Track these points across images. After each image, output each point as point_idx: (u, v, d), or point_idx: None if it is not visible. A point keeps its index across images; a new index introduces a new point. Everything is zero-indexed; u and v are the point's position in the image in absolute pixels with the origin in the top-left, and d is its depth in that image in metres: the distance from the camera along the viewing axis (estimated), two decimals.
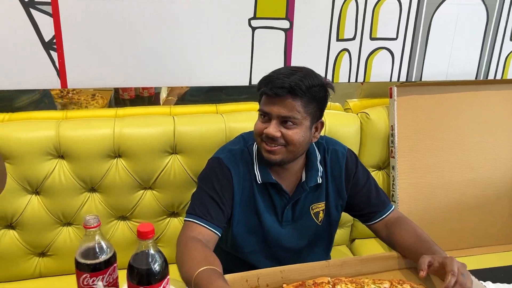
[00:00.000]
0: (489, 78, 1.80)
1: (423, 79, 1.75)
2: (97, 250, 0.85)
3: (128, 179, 1.45)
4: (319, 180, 1.24)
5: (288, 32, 1.56)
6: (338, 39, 1.62)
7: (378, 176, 1.70)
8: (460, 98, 1.72)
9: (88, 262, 0.84)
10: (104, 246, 0.86)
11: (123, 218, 1.52)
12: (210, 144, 1.46)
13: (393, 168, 1.64)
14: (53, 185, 1.40)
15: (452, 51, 1.74)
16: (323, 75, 1.58)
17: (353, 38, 1.64)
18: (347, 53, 1.65)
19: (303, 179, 1.23)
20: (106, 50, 1.42)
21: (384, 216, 1.25)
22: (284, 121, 1.11)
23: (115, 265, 0.88)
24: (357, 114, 1.69)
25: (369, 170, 1.41)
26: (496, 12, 1.71)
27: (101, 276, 0.85)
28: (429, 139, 1.67)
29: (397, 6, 1.63)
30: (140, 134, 1.45)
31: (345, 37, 1.63)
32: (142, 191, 1.49)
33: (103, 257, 0.85)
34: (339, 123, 1.62)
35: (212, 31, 1.50)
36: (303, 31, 1.57)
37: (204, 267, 0.95)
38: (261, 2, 1.50)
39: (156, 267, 0.82)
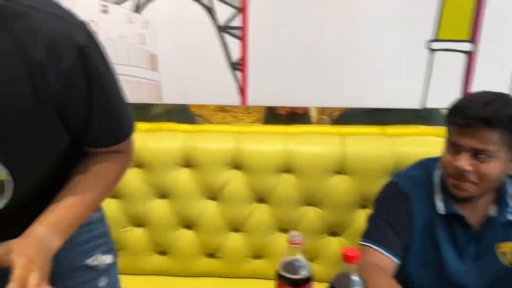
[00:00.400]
0: None
1: None
2: (298, 265, 0.90)
3: (295, 194, 1.51)
4: (510, 217, 1.13)
5: (471, 55, 1.48)
6: None
7: None
8: None
9: (292, 276, 0.89)
10: (304, 263, 0.90)
11: (284, 230, 1.58)
12: (377, 167, 1.45)
13: None
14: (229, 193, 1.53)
15: None
16: None
17: None
18: None
19: (492, 213, 1.14)
20: (286, 72, 1.51)
21: None
22: (476, 154, 1.05)
23: (311, 282, 0.92)
24: None
25: None
26: None
27: None
28: None
29: None
30: (309, 152, 1.50)
31: None
32: (306, 207, 1.54)
33: (303, 273, 0.89)
34: None
35: (387, 53, 1.49)
36: (488, 53, 1.47)
37: None
38: (444, 24, 1.44)
39: None
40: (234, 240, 1.58)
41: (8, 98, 0.67)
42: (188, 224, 1.58)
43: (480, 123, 1.02)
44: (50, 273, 0.70)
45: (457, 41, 1.47)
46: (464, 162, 1.04)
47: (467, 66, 1.49)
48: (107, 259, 1.03)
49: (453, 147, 1.08)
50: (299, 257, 0.91)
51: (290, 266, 0.91)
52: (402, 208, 1.17)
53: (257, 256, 1.59)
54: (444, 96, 1.36)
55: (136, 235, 1.59)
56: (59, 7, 0.72)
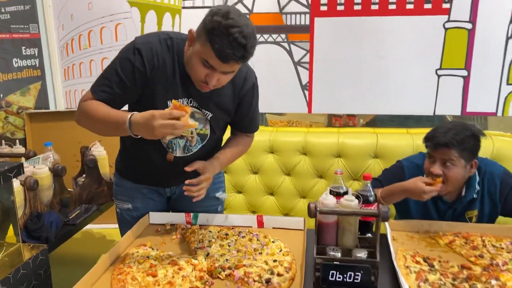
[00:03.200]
0: None
1: None
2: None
3: (345, 172, 2.25)
4: (475, 195, 1.70)
5: (466, 78, 2.17)
6: (508, 83, 2.15)
7: None
8: None
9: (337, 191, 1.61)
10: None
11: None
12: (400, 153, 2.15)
13: None
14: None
15: None
16: (494, 110, 2.13)
17: None
18: None
19: (463, 194, 1.71)
20: (338, 91, 2.29)
21: None
22: (444, 163, 1.61)
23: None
24: None
25: None
26: None
27: None
28: None
29: None
30: (354, 143, 2.25)
31: None
32: (351, 181, 2.27)
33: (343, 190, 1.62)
34: (508, 147, 2.10)
35: (409, 78, 2.22)
36: (478, 77, 2.15)
37: None
38: (446, 57, 2.16)
39: None
40: (302, 203, 2.33)
41: (227, 104, 1.49)
42: (271, 192, 2.37)
43: (442, 146, 1.61)
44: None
45: (456, 69, 2.17)
46: (438, 169, 1.62)
47: (464, 86, 2.18)
48: (224, 196, 1.79)
49: (430, 158, 1.66)
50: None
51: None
52: (399, 181, 1.74)
53: None
54: (449, 106, 2.05)
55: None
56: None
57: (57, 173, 1.75)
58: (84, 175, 1.93)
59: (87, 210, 1.91)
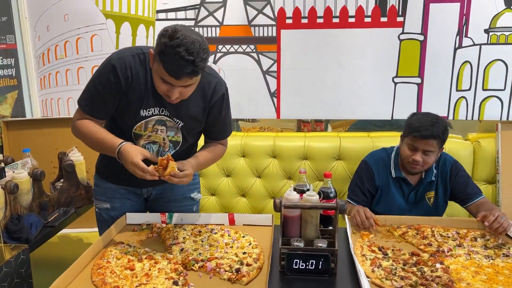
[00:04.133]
0: None
1: None
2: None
3: (311, 173, 2.40)
4: (433, 178, 1.95)
5: (420, 85, 2.37)
6: (457, 90, 2.35)
7: (488, 189, 2.30)
8: None
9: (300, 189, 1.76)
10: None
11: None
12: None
13: (498, 181, 2.23)
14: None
15: None
16: (445, 114, 2.34)
17: (469, 89, 2.35)
18: (464, 100, 2.36)
19: (423, 176, 1.96)
20: (304, 98, 2.45)
21: (474, 201, 1.89)
22: (424, 152, 1.83)
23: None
24: (472, 143, 2.35)
25: (480, 183, 2.15)
26: None
27: None
28: None
29: (504, 67, 2.29)
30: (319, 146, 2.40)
31: (463, 88, 2.35)
32: (317, 182, 2.42)
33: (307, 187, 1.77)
34: (458, 147, 2.30)
35: (368, 86, 2.40)
36: (430, 84, 2.35)
37: None
38: (401, 66, 2.35)
39: None
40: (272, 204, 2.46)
41: (197, 113, 1.59)
42: (243, 193, 2.50)
43: (430, 137, 1.82)
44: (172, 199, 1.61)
45: (411, 76, 2.37)
46: (419, 157, 1.84)
47: (418, 92, 2.38)
48: (199, 196, 1.90)
49: (412, 148, 1.87)
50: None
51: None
52: (368, 176, 2.01)
53: None
54: (405, 111, 2.23)
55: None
56: (213, 69, 1.64)
57: (36, 177, 1.82)
58: (62, 180, 2.01)
59: (65, 212, 1.98)
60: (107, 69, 1.49)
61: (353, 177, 2.08)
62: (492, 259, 1.47)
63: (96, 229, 1.82)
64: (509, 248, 1.55)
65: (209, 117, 1.65)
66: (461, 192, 1.95)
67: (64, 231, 2.11)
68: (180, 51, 1.31)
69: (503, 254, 1.50)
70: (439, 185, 1.97)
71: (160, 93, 1.48)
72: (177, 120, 1.60)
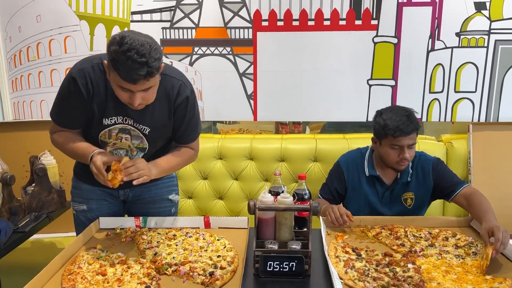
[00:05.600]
0: None
1: (499, 121, 2.38)
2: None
3: (288, 174, 2.41)
4: (409, 179, 1.95)
5: (394, 87, 2.40)
6: (430, 92, 2.40)
7: None
8: None
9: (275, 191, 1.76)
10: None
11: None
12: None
13: (470, 181, 2.28)
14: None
15: None
16: (419, 116, 2.37)
17: (442, 91, 2.39)
18: (437, 101, 2.41)
19: (399, 177, 1.96)
20: (280, 100, 2.46)
21: (459, 190, 1.85)
22: (409, 146, 1.83)
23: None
24: (445, 144, 2.40)
25: None
26: None
27: None
28: (500, 162, 2.28)
29: (475, 70, 2.34)
30: (296, 148, 2.41)
31: (436, 90, 2.40)
32: (293, 184, 2.43)
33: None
34: (432, 148, 2.34)
35: (343, 88, 2.43)
36: (404, 86, 2.39)
37: None
38: (376, 68, 2.38)
39: None
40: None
41: (163, 118, 1.59)
42: (220, 196, 2.49)
43: (413, 131, 1.82)
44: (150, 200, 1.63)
45: (385, 79, 2.40)
46: (408, 153, 1.84)
47: (392, 94, 2.41)
48: (177, 198, 1.89)
49: (397, 147, 1.84)
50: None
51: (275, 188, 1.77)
52: (338, 175, 2.02)
53: None
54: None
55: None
56: (177, 72, 1.63)
57: (5, 182, 1.78)
58: (33, 184, 1.97)
59: (36, 218, 1.94)
60: (69, 82, 1.51)
61: (326, 177, 2.10)
62: (463, 258, 1.49)
63: (71, 234, 1.80)
64: (476, 245, 1.58)
65: (174, 121, 1.64)
66: (447, 185, 1.89)
67: (37, 236, 2.07)
68: (131, 55, 1.30)
69: (472, 252, 1.54)
70: (419, 185, 1.94)
71: (123, 102, 1.47)
72: (143, 127, 1.59)
